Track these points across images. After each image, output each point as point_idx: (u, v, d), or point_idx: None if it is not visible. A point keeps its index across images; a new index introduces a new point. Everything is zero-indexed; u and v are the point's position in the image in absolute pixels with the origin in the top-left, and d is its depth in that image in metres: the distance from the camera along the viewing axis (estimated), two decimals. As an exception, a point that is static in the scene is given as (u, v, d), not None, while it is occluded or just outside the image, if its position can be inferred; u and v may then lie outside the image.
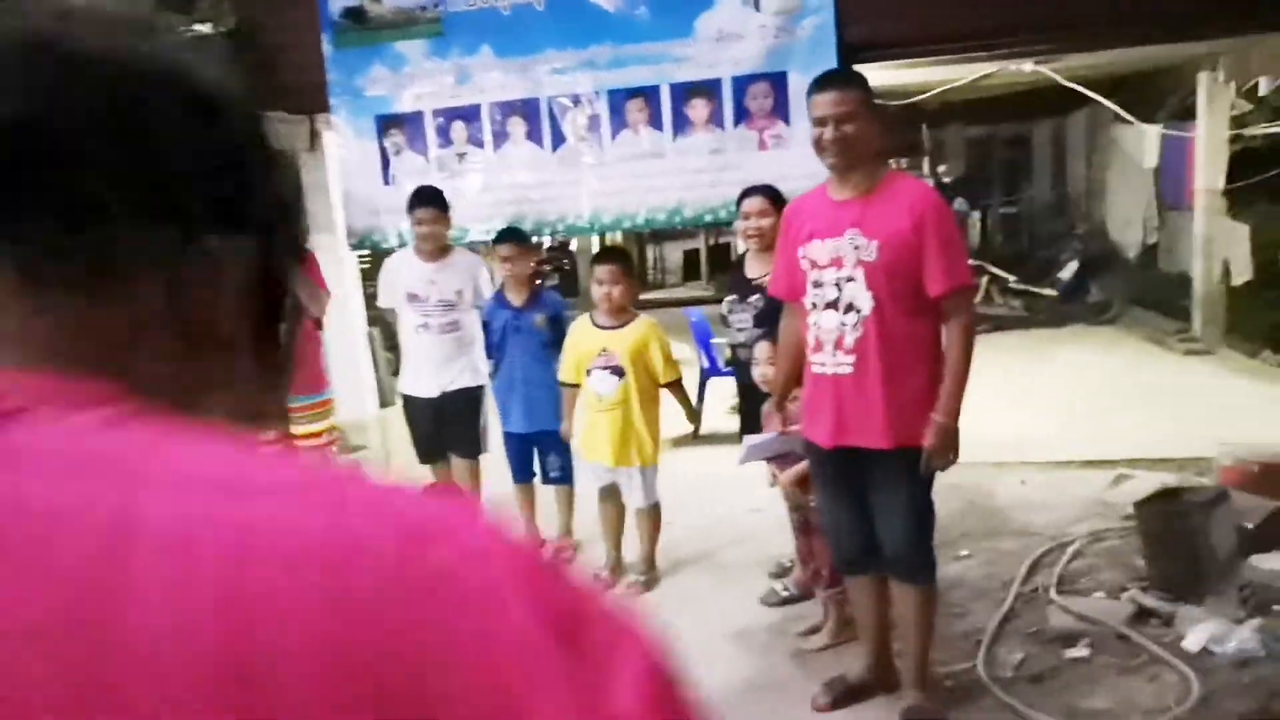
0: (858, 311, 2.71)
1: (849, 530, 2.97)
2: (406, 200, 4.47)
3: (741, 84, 5.00)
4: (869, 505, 2.88)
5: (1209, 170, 7.58)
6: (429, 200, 4.38)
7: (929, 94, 7.82)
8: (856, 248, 2.68)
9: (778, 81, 4.96)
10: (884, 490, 2.81)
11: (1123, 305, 9.12)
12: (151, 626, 0.33)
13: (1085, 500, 4.72)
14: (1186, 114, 8.15)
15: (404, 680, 0.34)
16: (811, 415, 2.92)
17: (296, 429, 4.71)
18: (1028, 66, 6.83)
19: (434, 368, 4.36)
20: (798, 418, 3.18)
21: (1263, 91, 7.16)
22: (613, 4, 5.07)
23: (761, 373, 3.45)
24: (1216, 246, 7.63)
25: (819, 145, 2.71)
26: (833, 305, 2.75)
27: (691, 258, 15.76)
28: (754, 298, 3.78)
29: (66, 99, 0.44)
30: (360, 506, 0.38)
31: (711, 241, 15.48)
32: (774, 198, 3.82)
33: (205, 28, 5.58)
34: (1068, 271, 9.17)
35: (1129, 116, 7.65)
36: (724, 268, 15.09)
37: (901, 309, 2.68)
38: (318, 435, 4.77)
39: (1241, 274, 7.35)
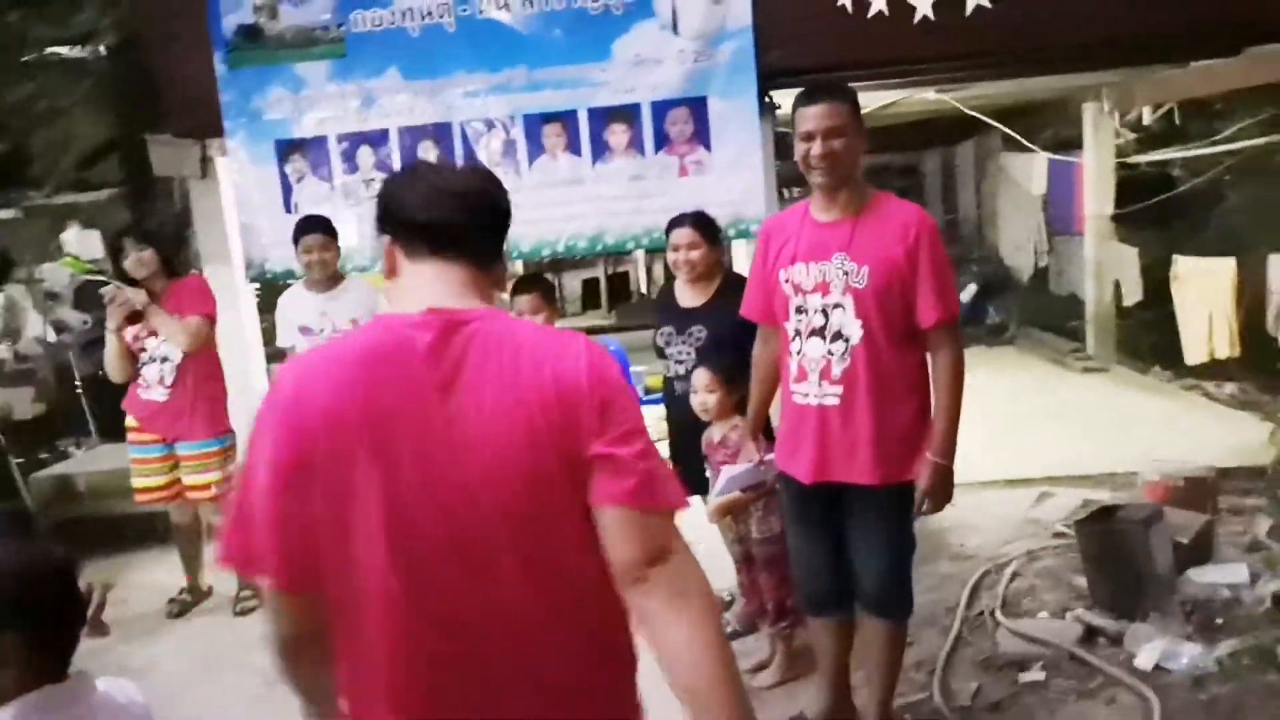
0: (845, 340, 2.57)
1: (821, 570, 2.83)
2: (292, 230, 4.31)
3: (661, 109, 4.90)
4: (844, 542, 2.75)
5: (1098, 196, 7.89)
6: (315, 227, 4.26)
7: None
8: (845, 273, 2.53)
9: (697, 107, 4.89)
10: (866, 527, 2.68)
11: (1018, 327, 9.41)
12: (533, 372, 1.33)
13: (1013, 520, 4.75)
14: (1066, 144, 8.50)
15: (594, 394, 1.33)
16: (790, 448, 2.75)
17: (190, 479, 4.32)
18: (930, 95, 6.98)
19: None
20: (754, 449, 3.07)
21: (1145, 121, 7.51)
22: (526, 26, 4.92)
23: (701, 401, 3.31)
24: (1107, 269, 7.94)
25: (805, 161, 2.55)
26: (818, 333, 2.61)
27: (591, 286, 15.63)
28: (695, 328, 3.64)
29: (498, 209, 1.48)
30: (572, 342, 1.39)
31: (610, 270, 15.40)
32: (703, 227, 3.69)
33: (79, 50, 5.19)
34: (966, 294, 9.40)
35: (1032, 145, 7.93)
36: (624, 297, 15.02)
37: (891, 338, 2.54)
38: (206, 487, 4.32)
39: (1132, 295, 7.65)
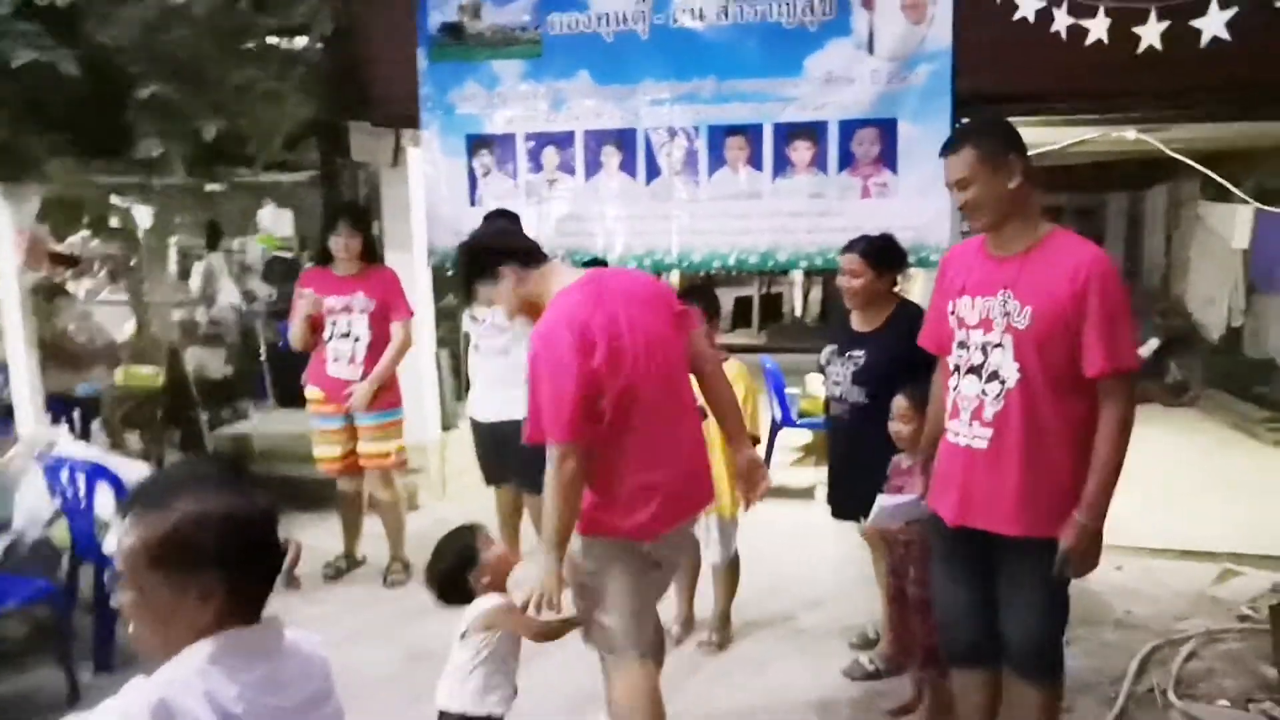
0: (1001, 382, 2.43)
1: (964, 617, 2.69)
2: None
3: (848, 129, 4.81)
4: (992, 592, 2.60)
5: (1310, 255, 7.27)
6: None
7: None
8: (1006, 312, 2.41)
9: (887, 128, 4.77)
10: (1012, 580, 2.54)
11: (1202, 388, 8.76)
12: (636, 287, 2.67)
13: (1189, 594, 4.40)
14: (1271, 195, 7.85)
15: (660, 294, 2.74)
16: (940, 486, 2.66)
17: (367, 448, 4.53)
18: (1130, 134, 6.58)
19: (487, 392, 4.28)
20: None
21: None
22: (718, 37, 4.93)
23: (895, 429, 3.21)
24: (1314, 335, 7.29)
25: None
26: (975, 371, 2.49)
27: (743, 304, 15.55)
28: (856, 353, 3.54)
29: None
30: (644, 276, 2.96)
31: (764, 290, 15.27)
32: (871, 255, 3.56)
33: (302, 40, 5.52)
34: (1146, 349, 8.82)
35: (1242, 195, 7.37)
36: (776, 317, 14.87)
37: (1051, 385, 2.38)
38: (385, 456, 4.57)
39: (1343, 365, 7.00)
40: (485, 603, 2.60)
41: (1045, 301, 2.35)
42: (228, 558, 1.30)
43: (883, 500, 3.06)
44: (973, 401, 2.49)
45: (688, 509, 2.75)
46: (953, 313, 2.57)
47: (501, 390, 4.10)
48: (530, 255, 2.63)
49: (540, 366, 2.47)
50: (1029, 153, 2.44)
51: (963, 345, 2.53)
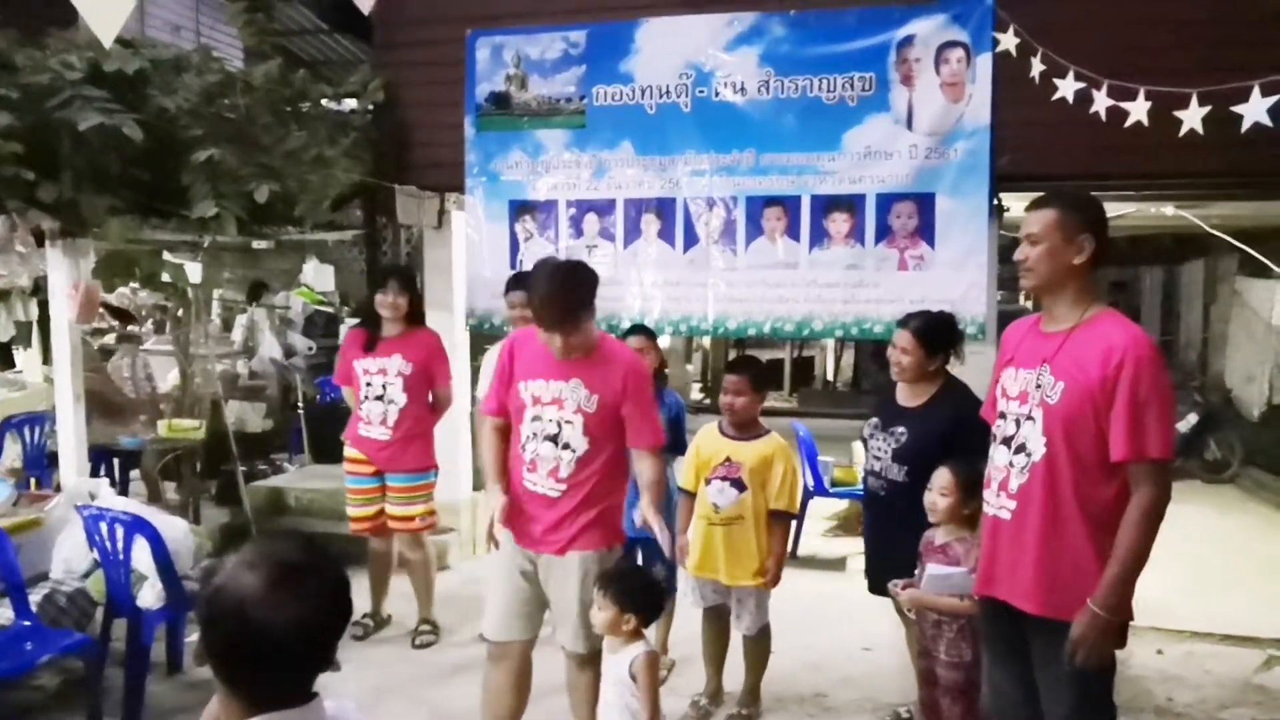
0: (1028, 455, 2.44)
1: (1007, 697, 2.64)
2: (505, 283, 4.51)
3: (886, 201, 4.87)
4: (1031, 674, 2.55)
5: (1352, 335, 7.19)
6: (522, 284, 4.29)
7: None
8: (1039, 386, 2.43)
9: (924, 202, 4.82)
10: (1040, 665, 2.49)
11: (1241, 465, 8.62)
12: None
13: (1233, 681, 4.29)
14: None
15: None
16: (981, 555, 2.68)
17: (394, 510, 4.54)
18: (1169, 209, 6.60)
19: None
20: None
21: None
22: (758, 111, 5.02)
23: (931, 501, 3.19)
24: (1357, 415, 7.17)
25: None
26: (1007, 442, 2.51)
27: (774, 367, 15.52)
28: (898, 429, 3.51)
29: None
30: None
31: (796, 354, 15.26)
32: (921, 334, 3.54)
33: (352, 102, 5.70)
34: (1185, 424, 8.71)
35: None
36: (808, 381, 14.83)
37: (1078, 465, 2.36)
38: (409, 519, 4.55)
39: (1388, 447, 6.86)
40: (636, 649, 2.95)
41: (1077, 380, 2.36)
42: (321, 643, 1.32)
43: (932, 569, 3.03)
44: (1001, 472, 2.52)
45: None
46: (999, 384, 2.60)
47: None
48: None
49: (649, 390, 3.24)
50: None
51: (1003, 415, 2.56)
